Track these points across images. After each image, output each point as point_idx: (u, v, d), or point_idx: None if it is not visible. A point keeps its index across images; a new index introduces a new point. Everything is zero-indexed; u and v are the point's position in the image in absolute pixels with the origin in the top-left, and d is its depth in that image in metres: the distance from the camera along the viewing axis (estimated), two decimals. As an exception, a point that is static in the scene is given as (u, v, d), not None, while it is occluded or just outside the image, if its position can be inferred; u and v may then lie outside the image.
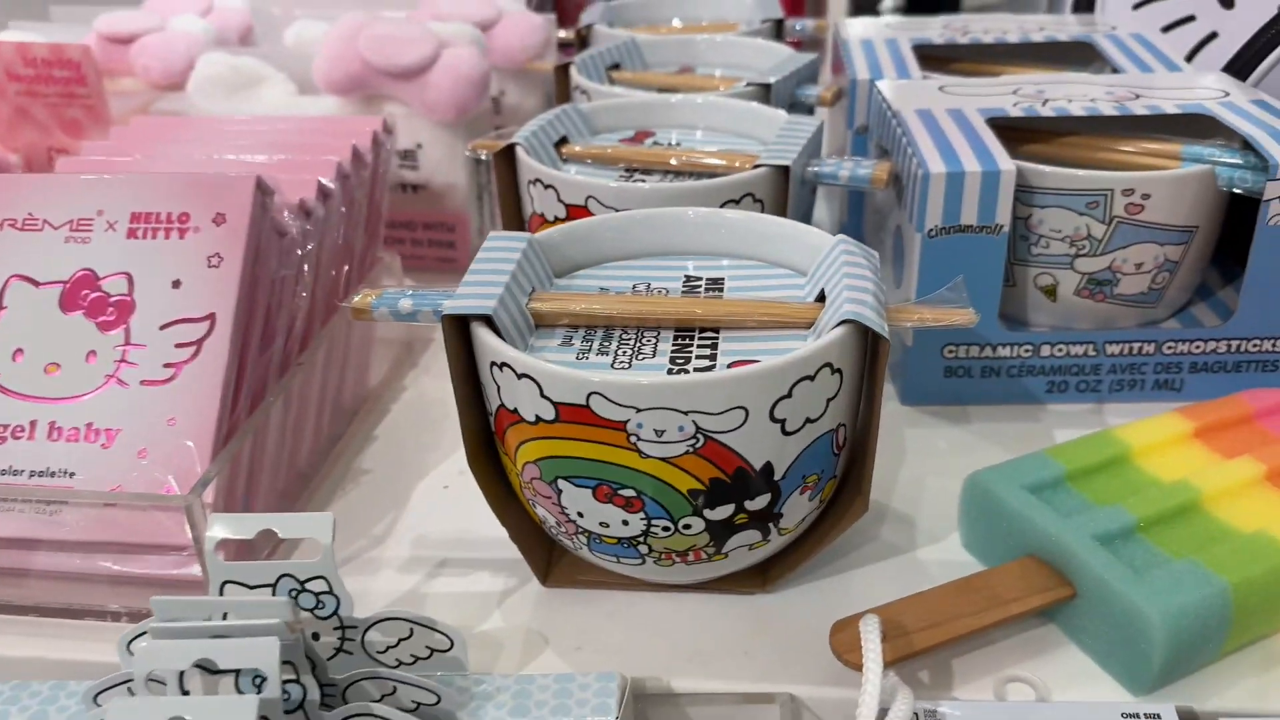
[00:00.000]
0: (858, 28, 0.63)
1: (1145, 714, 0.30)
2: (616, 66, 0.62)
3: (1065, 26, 0.61)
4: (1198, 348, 0.45)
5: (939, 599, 0.34)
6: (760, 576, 0.37)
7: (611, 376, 0.30)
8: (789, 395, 0.31)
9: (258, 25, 0.72)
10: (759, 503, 0.32)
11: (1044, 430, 0.45)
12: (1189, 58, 0.59)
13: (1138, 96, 0.48)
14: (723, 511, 0.32)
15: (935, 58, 0.60)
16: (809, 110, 0.61)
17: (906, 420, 0.46)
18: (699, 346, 0.34)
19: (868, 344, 0.33)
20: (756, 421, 0.30)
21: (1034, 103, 0.48)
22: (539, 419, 0.31)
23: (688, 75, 0.62)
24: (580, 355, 0.34)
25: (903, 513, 0.41)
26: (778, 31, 0.68)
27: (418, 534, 0.40)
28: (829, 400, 0.32)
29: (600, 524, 0.33)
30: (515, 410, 0.32)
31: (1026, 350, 0.45)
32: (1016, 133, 0.49)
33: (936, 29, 0.63)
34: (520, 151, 0.46)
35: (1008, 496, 0.36)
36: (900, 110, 0.48)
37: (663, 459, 0.31)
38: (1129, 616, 0.32)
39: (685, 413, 0.30)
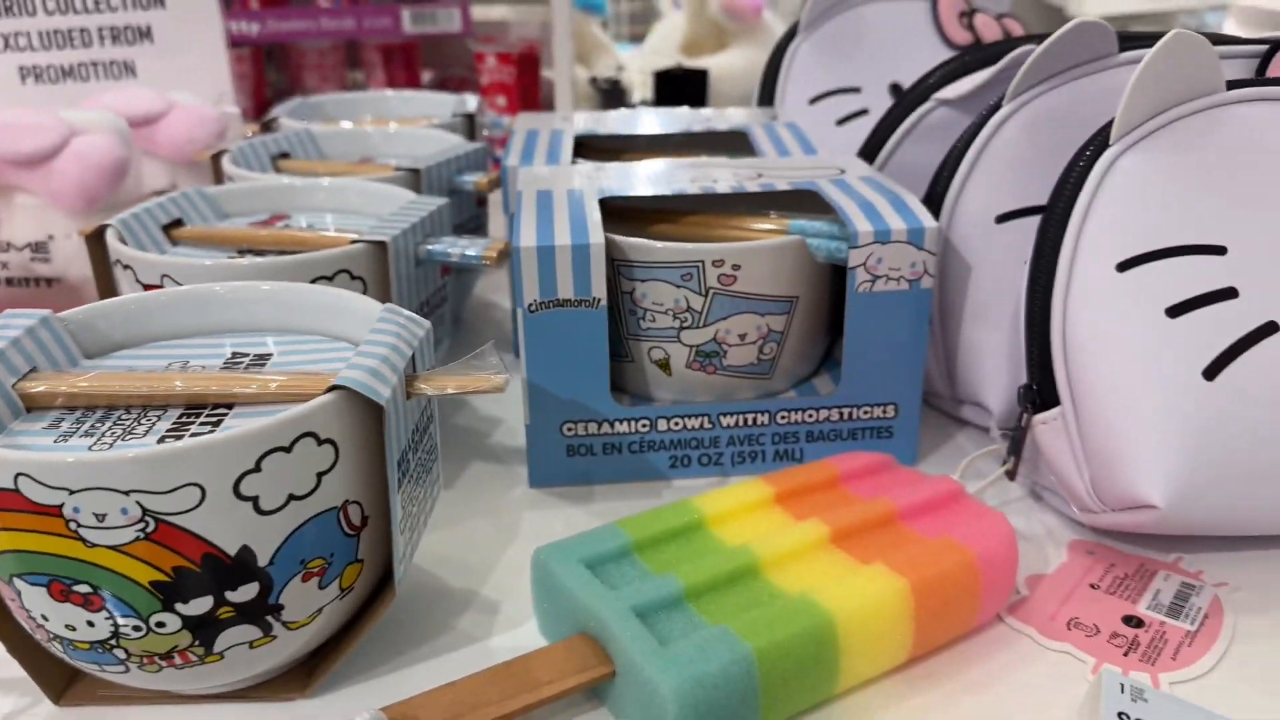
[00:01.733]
0: (531, 120, 0.64)
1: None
2: (286, 156, 0.60)
3: (730, 119, 0.63)
4: (810, 416, 0.45)
5: (465, 688, 0.31)
6: (305, 678, 0.34)
7: (37, 456, 0.27)
8: (257, 469, 0.28)
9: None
10: (244, 593, 0.29)
11: (661, 507, 0.44)
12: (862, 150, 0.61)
13: (760, 176, 0.49)
14: (199, 605, 0.29)
15: (602, 149, 0.61)
16: (477, 199, 0.61)
17: (529, 503, 0.44)
18: (201, 424, 0.31)
19: (374, 413, 0.31)
20: (219, 500, 0.28)
21: (658, 185, 0.48)
22: (-26, 509, 0.28)
23: (364, 165, 0.61)
24: (61, 438, 0.30)
25: (490, 600, 0.38)
26: (469, 127, 0.68)
27: (-67, 656, 0.36)
28: (321, 474, 0.30)
29: (67, 627, 0.29)
30: (-44, 501, 0.28)
31: (644, 425, 0.45)
32: (648, 214, 0.49)
33: (610, 122, 0.64)
34: (109, 234, 0.43)
35: (561, 571, 0.34)
36: (522, 191, 0.48)
37: (112, 547, 0.28)
38: (649, 692, 0.30)
39: (125, 493, 0.27)
